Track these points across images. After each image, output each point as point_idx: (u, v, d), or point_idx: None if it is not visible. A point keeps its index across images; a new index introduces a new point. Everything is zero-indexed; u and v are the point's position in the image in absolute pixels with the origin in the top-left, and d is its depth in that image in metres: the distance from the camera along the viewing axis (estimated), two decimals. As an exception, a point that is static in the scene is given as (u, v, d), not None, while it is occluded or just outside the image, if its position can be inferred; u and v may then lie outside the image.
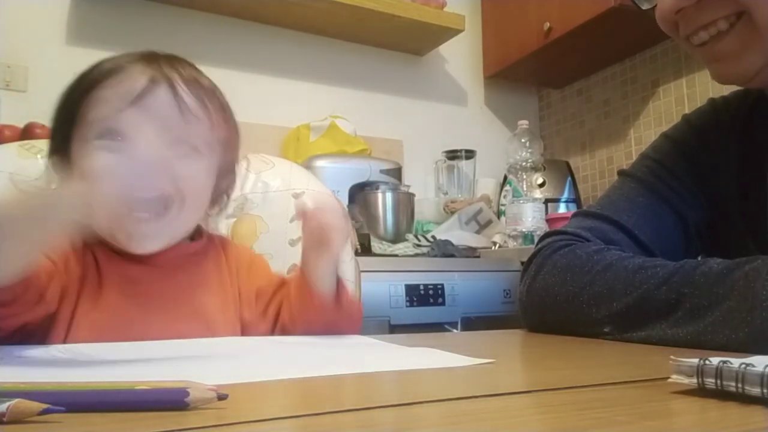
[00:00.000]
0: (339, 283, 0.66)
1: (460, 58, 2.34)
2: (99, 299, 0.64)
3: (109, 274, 0.65)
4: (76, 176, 0.64)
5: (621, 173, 0.77)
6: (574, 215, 0.76)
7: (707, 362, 0.26)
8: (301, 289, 0.66)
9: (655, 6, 0.63)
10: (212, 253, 0.72)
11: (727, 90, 0.74)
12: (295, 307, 0.67)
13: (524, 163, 1.96)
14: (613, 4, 1.74)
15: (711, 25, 0.57)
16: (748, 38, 0.56)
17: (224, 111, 0.70)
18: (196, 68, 0.70)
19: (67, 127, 0.65)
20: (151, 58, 0.66)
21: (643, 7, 0.65)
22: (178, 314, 0.65)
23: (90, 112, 0.63)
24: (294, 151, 1.90)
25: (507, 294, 1.53)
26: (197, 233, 0.73)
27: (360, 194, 1.75)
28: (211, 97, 0.68)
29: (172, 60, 0.68)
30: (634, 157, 0.80)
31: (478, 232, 1.89)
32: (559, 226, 0.78)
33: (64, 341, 0.60)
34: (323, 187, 0.96)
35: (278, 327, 0.70)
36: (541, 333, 0.65)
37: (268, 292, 0.71)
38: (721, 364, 0.25)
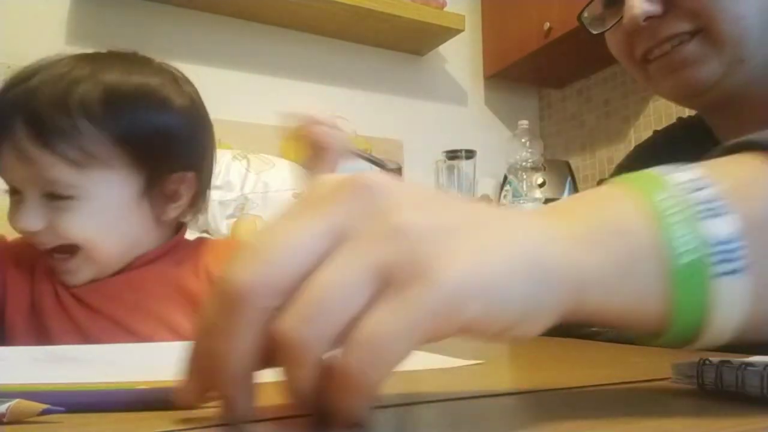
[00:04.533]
0: None
1: (460, 58, 2.34)
2: (60, 310, 0.63)
3: (65, 290, 0.65)
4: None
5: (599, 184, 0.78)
6: None
7: (707, 362, 0.26)
8: None
9: (606, 31, 0.64)
10: (173, 258, 0.69)
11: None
12: None
13: (524, 163, 1.96)
14: (613, 4, 1.74)
15: (675, 36, 0.58)
16: (709, 46, 0.57)
17: (116, 121, 0.61)
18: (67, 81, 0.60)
19: None
20: (14, 90, 0.61)
21: (594, 32, 0.66)
22: (140, 318, 0.64)
23: None
24: (294, 151, 1.90)
25: (507, 294, 1.53)
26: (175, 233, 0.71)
27: (360, 194, 1.75)
28: (77, 118, 0.59)
29: (34, 83, 0.60)
30: (635, 157, 0.80)
31: (478, 232, 1.89)
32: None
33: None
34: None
35: None
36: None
37: None
38: (721, 364, 0.25)
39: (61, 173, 0.59)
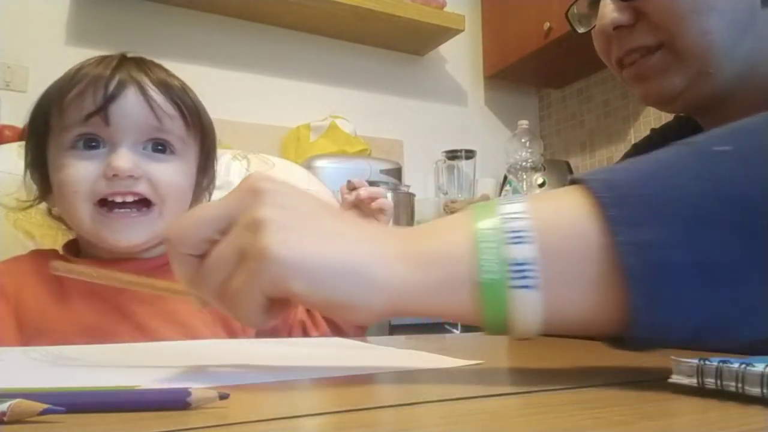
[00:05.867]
0: None
1: (460, 58, 2.34)
2: (64, 313, 0.63)
3: (73, 288, 0.64)
4: (54, 187, 0.66)
5: None
6: None
7: (707, 362, 0.26)
8: None
9: (591, 30, 0.66)
10: None
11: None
12: None
13: (524, 163, 1.96)
14: (613, 4, 1.74)
15: (642, 47, 0.60)
16: (671, 60, 0.58)
17: (197, 109, 0.71)
18: (164, 69, 0.71)
19: (42, 138, 0.66)
20: (117, 63, 0.66)
21: (580, 31, 0.68)
22: (150, 319, 0.64)
23: (61, 119, 0.64)
24: (294, 151, 1.90)
25: (507, 294, 1.52)
26: None
27: (360, 194, 1.75)
28: (183, 95, 0.69)
29: (140, 63, 0.68)
30: (635, 158, 0.81)
31: (478, 232, 1.89)
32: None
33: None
34: (323, 187, 0.96)
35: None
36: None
37: None
38: (721, 364, 0.25)
39: (177, 126, 0.67)
